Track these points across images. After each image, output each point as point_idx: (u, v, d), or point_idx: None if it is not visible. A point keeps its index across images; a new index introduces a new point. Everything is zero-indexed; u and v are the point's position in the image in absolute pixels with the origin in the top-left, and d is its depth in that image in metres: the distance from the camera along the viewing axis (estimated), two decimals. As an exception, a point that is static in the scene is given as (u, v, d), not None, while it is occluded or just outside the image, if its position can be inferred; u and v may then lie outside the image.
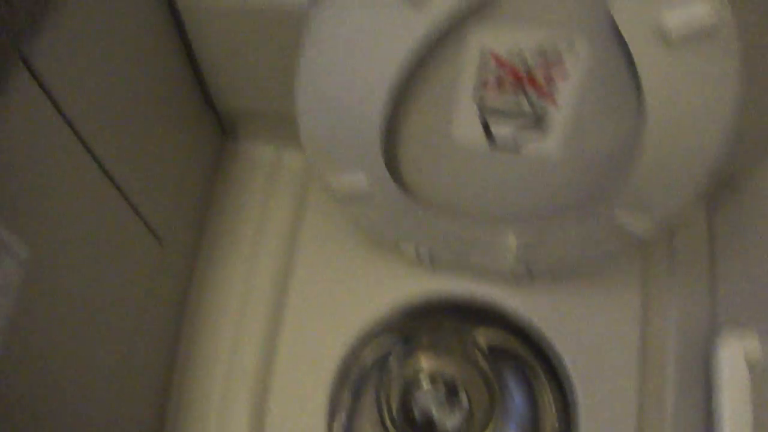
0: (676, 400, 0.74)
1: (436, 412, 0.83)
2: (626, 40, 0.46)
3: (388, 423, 0.83)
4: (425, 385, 0.85)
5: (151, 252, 0.65)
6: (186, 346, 0.76)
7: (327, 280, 0.78)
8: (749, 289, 0.71)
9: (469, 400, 0.84)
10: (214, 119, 0.81)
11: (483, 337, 0.86)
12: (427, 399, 0.84)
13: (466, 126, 0.58)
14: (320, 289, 0.77)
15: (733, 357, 0.64)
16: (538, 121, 0.57)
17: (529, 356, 0.82)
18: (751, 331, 0.66)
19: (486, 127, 0.59)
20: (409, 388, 0.85)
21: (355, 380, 0.82)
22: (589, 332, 0.75)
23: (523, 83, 0.54)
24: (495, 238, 0.69)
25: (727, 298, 0.75)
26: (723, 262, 0.78)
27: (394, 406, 0.85)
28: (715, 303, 0.77)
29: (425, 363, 0.87)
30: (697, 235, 0.79)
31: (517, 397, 0.84)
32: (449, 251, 0.73)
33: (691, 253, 0.79)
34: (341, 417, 0.80)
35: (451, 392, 0.85)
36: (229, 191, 0.83)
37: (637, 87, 0.50)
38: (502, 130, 0.58)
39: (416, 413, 0.84)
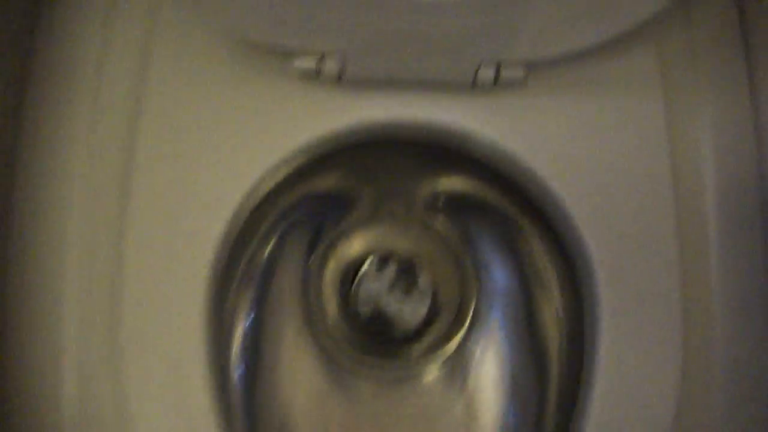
0: (721, 243, 0.56)
1: (388, 303, 0.65)
2: None
3: (321, 325, 0.64)
4: (370, 267, 0.65)
5: None
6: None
7: (188, 126, 0.55)
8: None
9: (432, 282, 0.65)
10: None
11: (443, 190, 0.66)
12: (375, 286, 0.65)
13: None
14: (179, 139, 0.54)
15: None
16: None
17: (512, 211, 0.62)
18: None
19: None
20: (346, 274, 0.66)
21: (258, 272, 0.62)
22: (596, 163, 0.54)
23: None
24: (443, 19, 0.48)
25: None
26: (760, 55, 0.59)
27: (329, 301, 0.65)
28: (759, 118, 0.58)
29: (365, 239, 0.67)
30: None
31: (498, 273, 0.65)
32: (373, 54, 0.51)
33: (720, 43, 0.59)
34: (240, 329, 0.60)
35: (407, 275, 0.65)
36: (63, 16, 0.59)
37: None
38: None
39: (360, 308, 0.65)
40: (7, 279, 0.56)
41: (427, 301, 0.65)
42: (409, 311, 0.65)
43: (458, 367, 0.64)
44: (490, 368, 0.63)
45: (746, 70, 0.60)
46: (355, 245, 0.67)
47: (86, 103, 0.57)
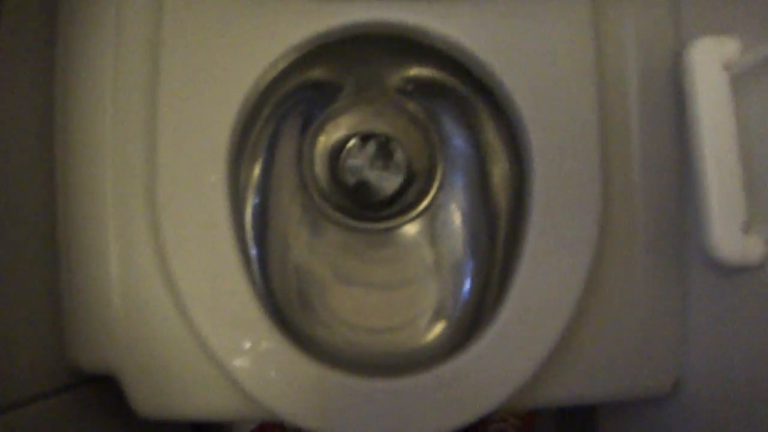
0: (642, 123, 0.64)
1: (370, 175, 0.73)
2: None
3: (314, 192, 0.73)
4: (354, 145, 0.74)
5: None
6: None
7: (202, 37, 0.62)
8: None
9: (406, 156, 0.73)
10: None
11: (412, 77, 0.72)
12: (358, 161, 0.73)
13: None
14: (196, 48, 0.61)
15: (709, 62, 0.54)
16: None
17: (468, 93, 0.69)
18: (730, 37, 0.54)
19: None
20: (335, 153, 0.74)
21: (262, 149, 0.69)
22: (532, 51, 0.61)
23: None
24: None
25: (695, 5, 0.63)
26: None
27: (320, 172, 0.74)
28: (678, 10, 0.65)
29: (349, 121, 0.74)
30: None
31: (458, 143, 0.73)
32: None
33: None
34: (252, 195, 0.68)
35: (384, 148, 0.74)
36: None
37: None
38: None
39: (347, 178, 0.73)
40: (54, 164, 0.64)
41: (403, 172, 0.73)
42: (388, 180, 0.73)
43: (428, 222, 0.72)
44: (453, 221, 0.72)
45: None
46: (341, 126, 0.74)
47: (110, 19, 0.64)
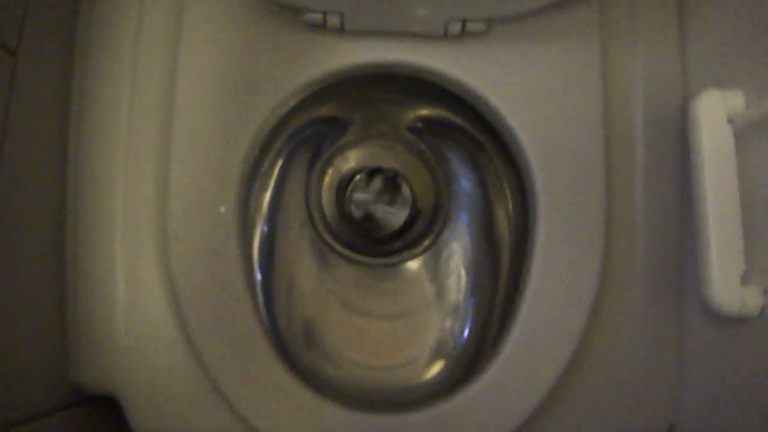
0: (647, 169, 0.66)
1: (376, 209, 0.74)
2: None
3: (320, 225, 0.73)
4: (361, 179, 0.74)
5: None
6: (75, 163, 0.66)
7: (220, 66, 0.63)
8: (727, 46, 0.60)
9: (412, 192, 0.74)
10: None
11: (421, 116, 0.73)
12: (365, 195, 0.74)
13: None
14: (213, 77, 0.62)
15: (714, 114, 0.55)
16: None
17: (476, 133, 0.70)
18: (735, 90, 0.55)
19: None
20: (342, 186, 0.74)
21: (272, 181, 0.70)
22: (541, 96, 0.62)
23: None
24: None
25: (701, 56, 0.65)
26: (691, 17, 0.67)
27: (326, 205, 0.74)
28: (685, 63, 0.67)
29: (358, 155, 0.75)
30: None
31: (465, 182, 0.73)
32: (366, 12, 0.59)
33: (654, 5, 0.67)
34: (260, 225, 0.68)
35: (392, 185, 0.74)
36: None
37: None
38: None
39: (354, 213, 0.74)
40: (65, 204, 0.65)
41: (408, 207, 0.73)
42: (393, 215, 0.73)
43: (431, 259, 0.73)
44: (456, 259, 0.72)
45: (677, 17, 0.67)
46: (349, 160, 0.74)
47: (129, 42, 0.66)
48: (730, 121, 0.55)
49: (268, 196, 0.69)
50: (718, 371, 0.60)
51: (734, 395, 0.58)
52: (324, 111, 0.70)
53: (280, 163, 0.70)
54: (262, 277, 0.67)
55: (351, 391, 0.65)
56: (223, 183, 0.60)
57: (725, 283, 0.53)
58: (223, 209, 0.60)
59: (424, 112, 0.72)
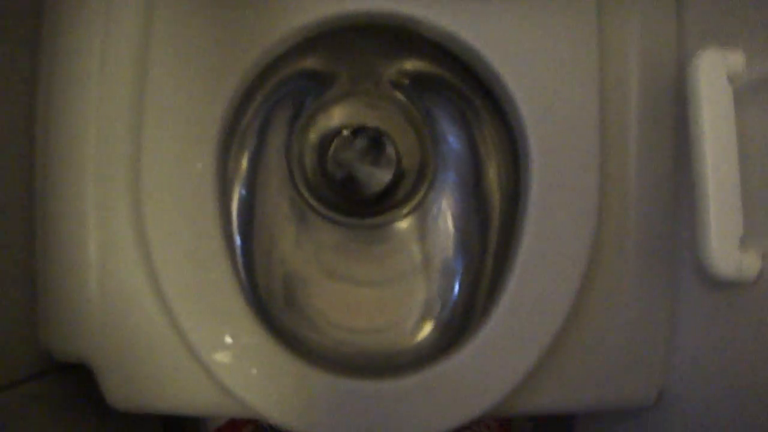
0: (641, 130, 0.63)
1: (359, 167, 0.71)
2: None
3: (301, 186, 0.71)
4: (344, 138, 0.72)
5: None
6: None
7: (196, 17, 0.59)
8: (725, 3, 0.58)
9: (397, 152, 0.72)
10: None
11: (409, 72, 0.71)
12: (348, 154, 0.71)
13: None
14: (188, 29, 0.59)
15: (714, 74, 0.52)
16: None
17: (465, 88, 0.67)
18: (736, 48, 0.53)
19: None
20: (325, 145, 0.72)
21: (251, 138, 0.67)
22: (536, 53, 0.60)
23: None
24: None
25: (699, 13, 0.62)
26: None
27: (308, 164, 0.72)
28: (682, 20, 0.64)
29: (342, 112, 0.72)
30: None
31: (453, 141, 0.71)
32: None
33: None
34: (239, 185, 0.66)
35: (376, 143, 0.72)
36: None
37: None
38: None
39: (335, 172, 0.72)
40: (34, 164, 0.61)
41: (393, 168, 0.71)
42: (377, 176, 0.71)
43: (417, 221, 0.71)
44: (444, 219, 0.71)
45: None
46: (332, 118, 0.72)
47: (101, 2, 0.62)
48: (731, 81, 0.53)
49: (247, 156, 0.67)
50: (711, 338, 0.59)
51: (726, 362, 0.57)
52: (307, 64, 0.67)
53: (260, 120, 0.67)
54: (242, 239, 0.64)
55: (335, 355, 0.64)
56: (200, 140, 0.58)
57: (723, 247, 0.51)
58: (200, 166, 0.57)
59: (412, 67, 0.70)
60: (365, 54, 0.69)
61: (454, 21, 0.59)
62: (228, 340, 0.56)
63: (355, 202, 0.72)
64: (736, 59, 0.53)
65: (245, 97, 0.61)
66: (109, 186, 0.61)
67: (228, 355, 0.56)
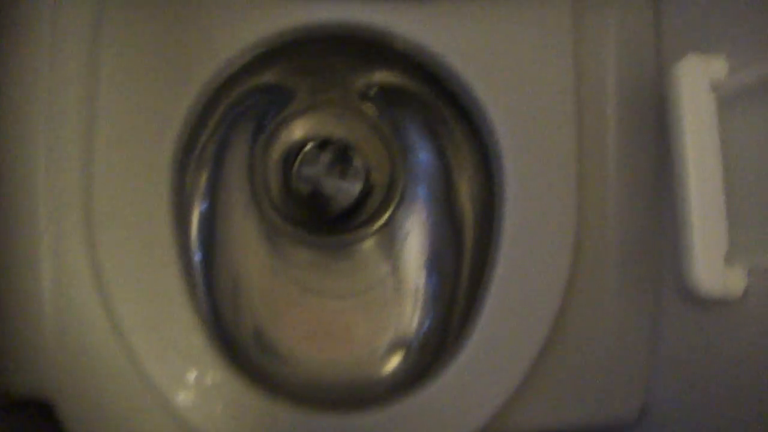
0: (620, 140, 0.61)
1: (325, 182, 0.68)
2: None
3: (266, 204, 0.67)
4: (309, 152, 0.68)
5: None
6: None
7: (147, 33, 0.56)
8: (705, 8, 0.56)
9: (365, 165, 0.68)
10: None
11: (375, 82, 0.68)
12: (314, 169, 0.68)
13: None
14: (139, 46, 0.56)
15: (696, 81, 0.51)
16: None
17: (434, 100, 0.64)
18: (717, 55, 0.51)
19: None
20: (289, 160, 0.68)
21: (209, 158, 0.64)
22: (509, 62, 0.58)
23: None
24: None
25: (677, 18, 0.61)
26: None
27: (272, 181, 0.68)
28: (660, 26, 0.63)
29: (306, 126, 0.69)
30: None
31: (423, 155, 0.68)
32: None
33: None
34: (198, 208, 0.63)
35: (343, 155, 0.68)
36: None
37: None
38: None
39: (301, 188, 0.68)
40: None
41: (361, 182, 0.68)
42: (345, 190, 0.68)
43: (387, 238, 0.68)
44: (414, 239, 0.68)
45: None
46: (295, 132, 0.69)
47: (47, 22, 0.58)
48: (713, 88, 0.50)
49: (206, 176, 0.63)
50: (694, 354, 0.57)
51: (709, 378, 0.55)
52: (267, 78, 0.65)
53: (218, 138, 0.64)
54: (203, 265, 0.61)
55: (305, 389, 0.61)
56: (153, 164, 0.55)
57: (708, 264, 0.49)
58: (154, 189, 0.54)
59: (380, 78, 0.67)
60: (329, 66, 0.66)
61: (423, 33, 0.57)
62: (190, 376, 0.54)
63: (323, 219, 0.69)
64: (718, 66, 0.51)
65: (202, 114, 0.58)
66: (61, 211, 0.57)
67: (191, 392, 0.53)
